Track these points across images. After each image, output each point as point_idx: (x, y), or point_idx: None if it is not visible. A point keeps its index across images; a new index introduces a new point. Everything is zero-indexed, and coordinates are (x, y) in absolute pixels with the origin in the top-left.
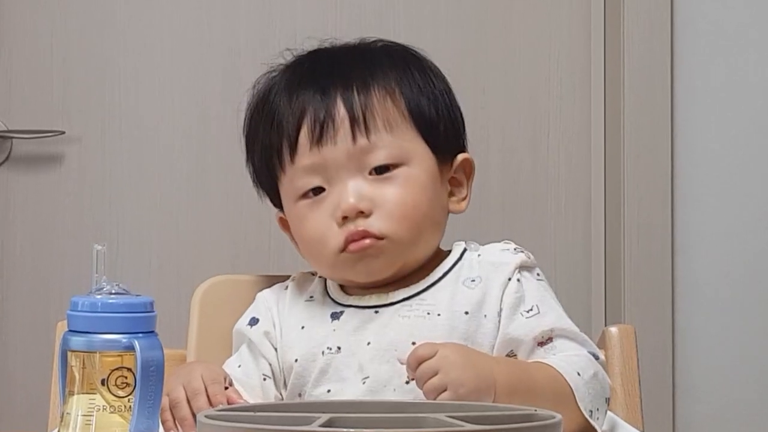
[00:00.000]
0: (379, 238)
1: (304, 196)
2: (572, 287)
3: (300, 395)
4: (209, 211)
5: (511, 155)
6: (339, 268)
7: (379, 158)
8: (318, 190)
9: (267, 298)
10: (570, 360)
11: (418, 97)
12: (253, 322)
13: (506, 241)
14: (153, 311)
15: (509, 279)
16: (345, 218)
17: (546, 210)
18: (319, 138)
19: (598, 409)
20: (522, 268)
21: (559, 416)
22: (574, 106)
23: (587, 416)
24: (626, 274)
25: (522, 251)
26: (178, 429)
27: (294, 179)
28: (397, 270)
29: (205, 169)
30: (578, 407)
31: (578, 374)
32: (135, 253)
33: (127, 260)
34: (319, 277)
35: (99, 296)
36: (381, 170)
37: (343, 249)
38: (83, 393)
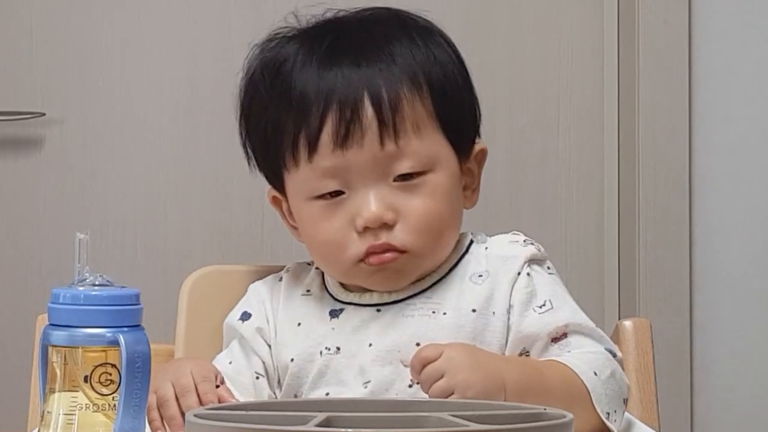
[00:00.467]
0: (401, 251)
1: (320, 197)
2: (584, 279)
3: (296, 397)
4: (198, 198)
5: (519, 138)
6: (353, 276)
7: (406, 167)
8: (336, 193)
9: (260, 291)
10: (586, 358)
11: (443, 88)
12: (245, 317)
13: (515, 232)
14: (139, 304)
15: (518, 273)
16: (366, 228)
17: (556, 196)
18: (344, 140)
19: (615, 411)
20: (532, 261)
21: (570, 415)
22: (586, 84)
23: (604, 418)
24: (641, 265)
25: (531, 243)
26: (165, 429)
27: (309, 179)
28: (414, 279)
29: (194, 153)
30: (594, 409)
31: (595, 374)
32: (120, 241)
33: (112, 249)
34: (316, 268)
35: (81, 288)
36: (405, 177)
37: (362, 260)
38: (65, 391)
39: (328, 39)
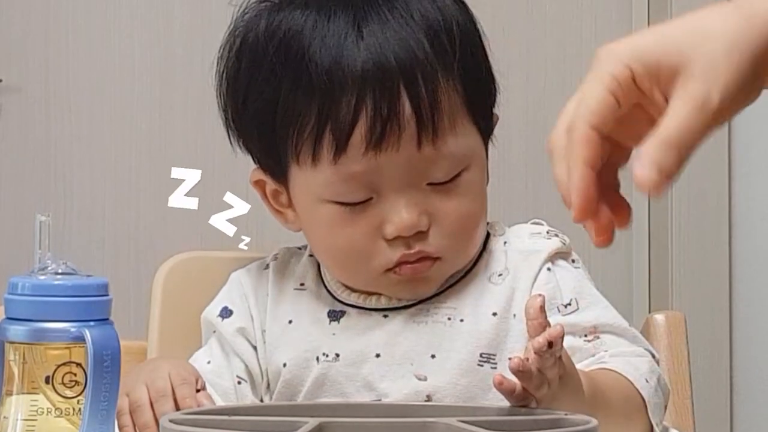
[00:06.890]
0: (435, 258)
1: (340, 202)
2: (610, 267)
3: None
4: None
5: (536, 110)
6: (376, 285)
7: (441, 173)
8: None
9: (242, 282)
10: (634, 363)
11: (474, 72)
12: (225, 313)
13: (536, 220)
14: (107, 294)
15: (539, 270)
16: (397, 236)
17: None
18: (378, 141)
19: (661, 421)
20: (555, 255)
21: (594, 422)
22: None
23: (656, 430)
24: (675, 252)
25: (556, 234)
26: None
27: (332, 182)
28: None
29: (169, 126)
30: (649, 421)
31: (647, 381)
32: (86, 224)
33: (77, 233)
34: (310, 255)
35: (43, 277)
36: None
37: (391, 269)
38: (24, 393)
39: (351, 18)
